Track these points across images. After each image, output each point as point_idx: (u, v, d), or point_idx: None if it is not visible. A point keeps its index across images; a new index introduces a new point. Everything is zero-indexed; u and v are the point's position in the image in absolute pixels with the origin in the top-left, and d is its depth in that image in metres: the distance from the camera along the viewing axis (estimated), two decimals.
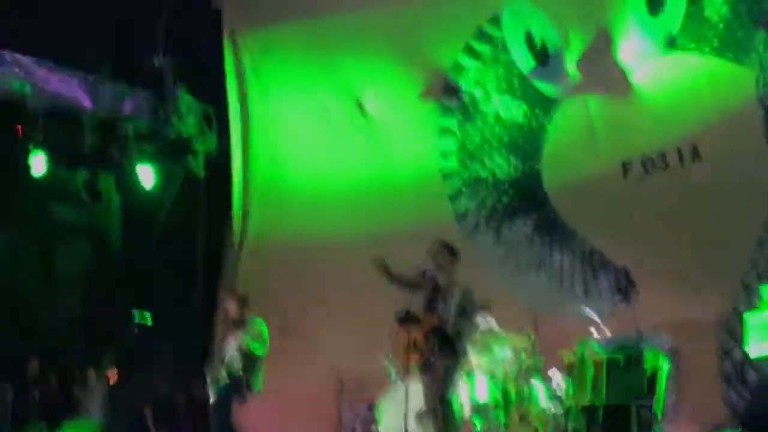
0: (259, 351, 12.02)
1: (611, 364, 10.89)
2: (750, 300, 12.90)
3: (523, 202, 15.13)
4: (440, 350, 10.34)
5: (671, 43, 14.06)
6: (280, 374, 15.26)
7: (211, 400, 12.08)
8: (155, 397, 14.40)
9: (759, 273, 13.08)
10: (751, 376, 12.75)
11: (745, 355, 12.55)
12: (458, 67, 15.61)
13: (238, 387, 11.95)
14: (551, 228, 14.88)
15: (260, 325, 12.13)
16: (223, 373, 12.00)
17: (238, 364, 11.92)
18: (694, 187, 13.72)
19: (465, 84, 15.60)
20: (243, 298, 12.47)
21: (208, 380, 12.13)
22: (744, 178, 13.31)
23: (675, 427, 11.55)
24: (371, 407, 12.82)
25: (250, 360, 11.97)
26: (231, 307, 12.44)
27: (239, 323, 12.25)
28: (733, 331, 13.04)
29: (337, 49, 16.38)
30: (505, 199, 15.26)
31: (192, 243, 17.08)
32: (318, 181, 16.44)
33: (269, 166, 16.91)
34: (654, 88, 14.22)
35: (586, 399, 10.83)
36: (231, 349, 12.13)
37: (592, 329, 11.77)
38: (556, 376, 11.74)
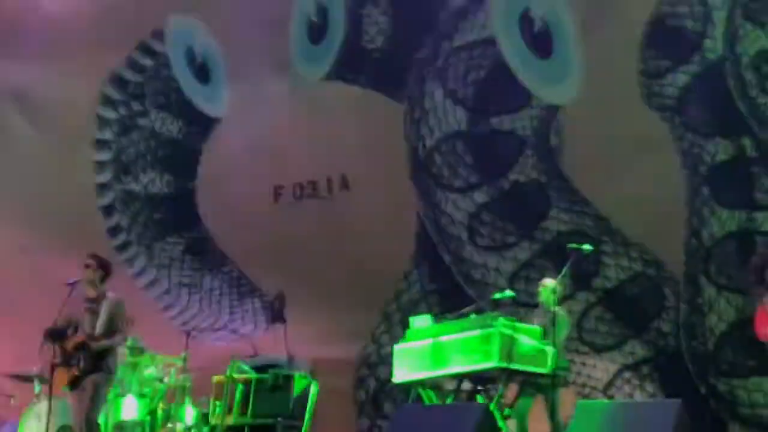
0: None
1: (259, 384, 11.02)
2: (390, 331, 13.45)
3: (176, 220, 15.10)
4: (88, 365, 10.09)
5: (332, 73, 14.43)
6: None
7: None
8: None
9: (400, 305, 13.63)
10: (386, 405, 13.31)
11: (379, 384, 13.13)
12: (119, 79, 15.41)
13: None
14: (203, 249, 14.91)
15: None
16: None
17: None
18: (342, 216, 14.12)
19: (125, 96, 15.40)
20: None
21: None
22: (391, 212, 13.82)
23: None
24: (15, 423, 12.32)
25: None
26: None
27: None
28: (369, 361, 13.54)
29: None
30: (157, 215, 15.17)
31: None
32: None
33: None
34: (311, 116, 14.48)
35: (233, 418, 10.88)
36: None
37: (246, 351, 11.84)
38: (205, 397, 11.75)
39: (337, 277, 13.86)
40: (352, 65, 14.33)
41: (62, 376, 10.19)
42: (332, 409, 12.65)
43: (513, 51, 13.29)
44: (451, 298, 13.29)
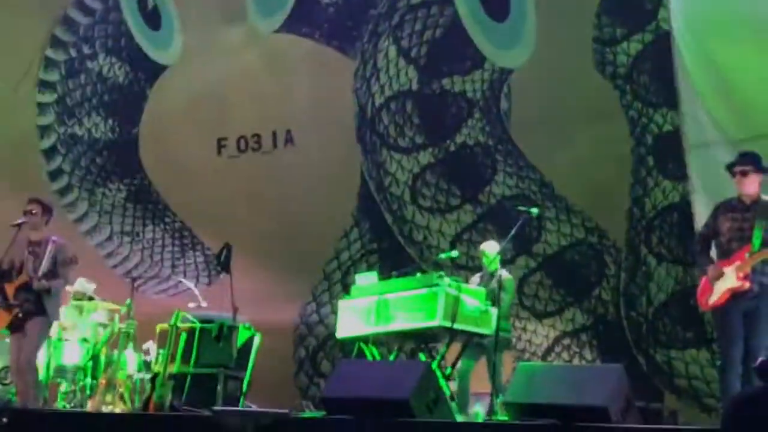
0: None
1: (203, 334, 10.93)
2: (330, 289, 13.43)
3: (118, 166, 14.87)
4: (30, 308, 10.00)
5: (286, 26, 14.26)
6: None
7: None
8: None
9: (341, 263, 13.60)
10: (324, 363, 13.32)
11: (319, 342, 13.14)
12: (69, 21, 15.07)
13: None
14: (144, 198, 14.72)
15: None
16: None
17: None
18: (285, 171, 14.01)
19: (75, 38, 15.08)
20: None
21: None
22: (335, 170, 13.74)
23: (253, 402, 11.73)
24: None
25: None
26: None
27: None
28: (309, 319, 13.52)
29: None
30: (99, 160, 14.92)
31: None
32: None
33: None
34: (261, 69, 14.36)
35: (175, 367, 10.80)
36: None
37: (191, 302, 11.73)
38: (150, 344, 11.66)
39: (278, 233, 13.79)
40: (307, 19, 14.17)
41: (1, 317, 10.11)
42: (271, 365, 12.60)
43: (469, 12, 13.23)
44: (392, 258, 13.26)
